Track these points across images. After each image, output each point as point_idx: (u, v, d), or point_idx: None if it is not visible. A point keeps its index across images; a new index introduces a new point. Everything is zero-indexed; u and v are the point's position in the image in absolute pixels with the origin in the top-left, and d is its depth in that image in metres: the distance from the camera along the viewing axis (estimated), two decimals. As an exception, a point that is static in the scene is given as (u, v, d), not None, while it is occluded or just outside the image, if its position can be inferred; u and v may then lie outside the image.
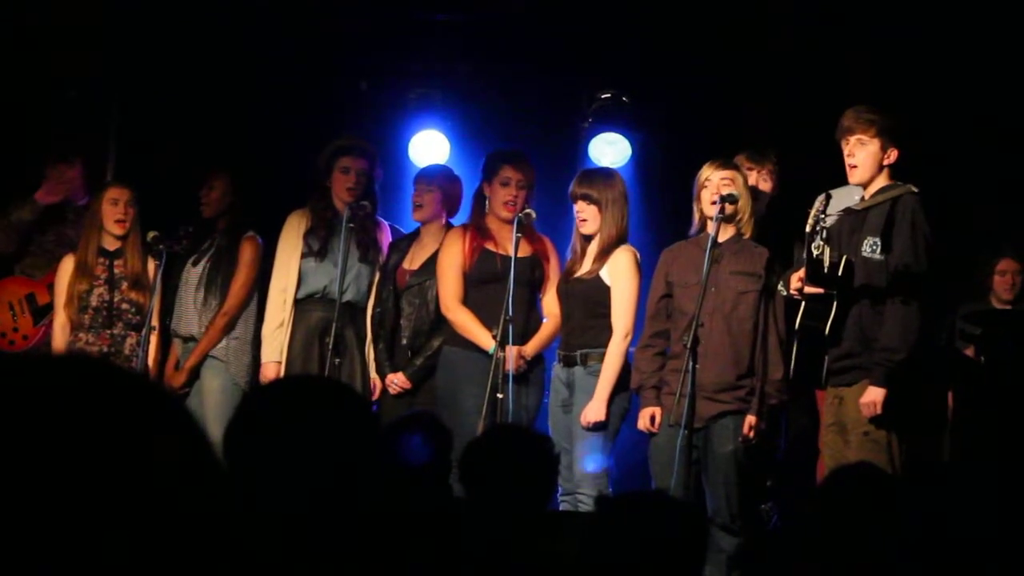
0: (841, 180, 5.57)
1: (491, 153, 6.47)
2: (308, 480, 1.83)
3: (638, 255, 6.06)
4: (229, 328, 6.57)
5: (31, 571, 1.07)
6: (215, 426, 6.00)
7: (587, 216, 6.01)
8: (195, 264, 6.65)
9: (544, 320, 6.32)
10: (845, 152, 5.49)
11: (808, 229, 5.26)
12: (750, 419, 5.59)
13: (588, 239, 6.06)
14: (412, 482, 3.96)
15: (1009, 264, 6.95)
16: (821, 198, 5.28)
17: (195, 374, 6.57)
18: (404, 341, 6.46)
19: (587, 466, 5.79)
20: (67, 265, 6.58)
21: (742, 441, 5.59)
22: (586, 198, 6.01)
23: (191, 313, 6.60)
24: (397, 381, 6.42)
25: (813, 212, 5.24)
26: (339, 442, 1.87)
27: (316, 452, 1.86)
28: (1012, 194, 6.86)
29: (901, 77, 6.83)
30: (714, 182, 5.73)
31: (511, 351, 5.91)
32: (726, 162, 5.85)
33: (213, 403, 6.40)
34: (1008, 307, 6.89)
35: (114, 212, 6.54)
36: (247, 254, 6.63)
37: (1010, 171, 6.85)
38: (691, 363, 5.43)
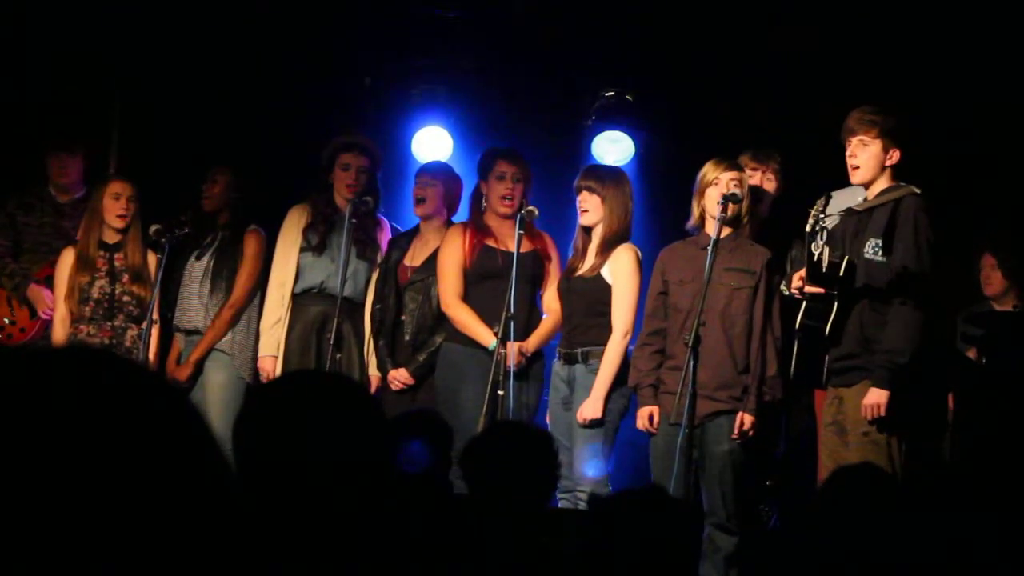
0: (845, 181, 5.57)
1: (485, 151, 6.47)
2: (317, 475, 1.82)
3: (639, 254, 6.05)
4: (235, 321, 6.57)
5: (31, 563, 1.06)
6: (219, 419, 6.00)
7: (589, 207, 6.00)
8: (198, 258, 6.64)
9: (544, 316, 6.32)
10: (848, 153, 5.49)
11: (808, 229, 5.26)
12: (745, 418, 5.59)
13: (588, 232, 6.06)
14: (414, 480, 3.96)
15: (986, 259, 6.87)
16: (821, 199, 5.29)
17: (199, 367, 6.57)
18: (407, 337, 6.44)
19: (587, 471, 5.78)
20: (67, 257, 6.57)
21: (738, 439, 5.59)
22: (590, 189, 6.01)
23: (196, 307, 6.60)
24: (400, 377, 6.40)
25: (813, 212, 5.25)
26: (350, 438, 1.87)
27: (326, 447, 1.85)
28: (1008, 193, 6.83)
29: (907, 76, 6.81)
30: (724, 181, 5.72)
31: (512, 347, 5.91)
32: (733, 162, 5.86)
33: (217, 397, 6.40)
34: (994, 303, 6.82)
35: (116, 207, 6.54)
36: (251, 247, 6.64)
37: (1011, 170, 6.83)
38: (692, 362, 5.43)
